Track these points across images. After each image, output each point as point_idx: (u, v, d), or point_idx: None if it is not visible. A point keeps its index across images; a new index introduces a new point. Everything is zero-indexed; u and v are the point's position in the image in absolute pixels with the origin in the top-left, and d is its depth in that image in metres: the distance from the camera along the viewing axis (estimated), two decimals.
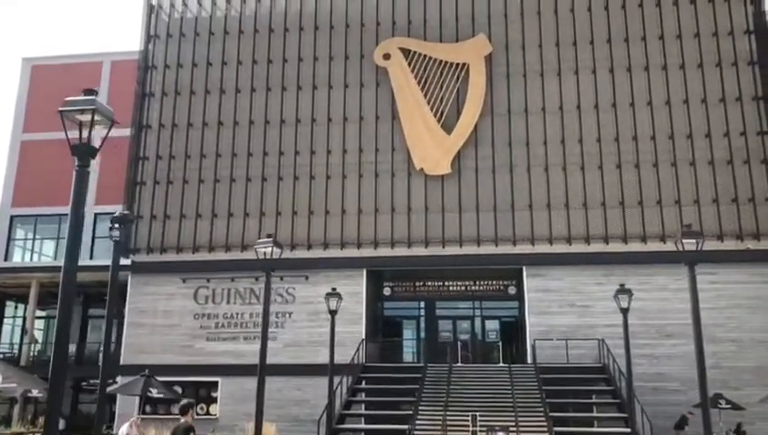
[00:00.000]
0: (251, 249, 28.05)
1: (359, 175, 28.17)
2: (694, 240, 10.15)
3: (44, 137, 34.67)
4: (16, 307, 35.37)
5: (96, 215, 33.43)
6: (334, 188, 28.21)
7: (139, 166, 29.57)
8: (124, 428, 17.41)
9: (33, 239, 34.74)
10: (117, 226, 13.77)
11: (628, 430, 20.20)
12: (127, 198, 29.30)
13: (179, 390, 24.97)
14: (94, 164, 34.01)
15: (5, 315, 34.61)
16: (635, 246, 25.98)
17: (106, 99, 34.89)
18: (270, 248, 9.77)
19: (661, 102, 27.23)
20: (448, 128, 27.85)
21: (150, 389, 18.04)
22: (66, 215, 33.16)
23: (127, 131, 29.94)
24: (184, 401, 10.12)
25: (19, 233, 35.10)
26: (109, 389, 18.36)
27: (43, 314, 35.61)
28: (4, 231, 34.01)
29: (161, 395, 19.05)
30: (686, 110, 27.06)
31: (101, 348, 17.06)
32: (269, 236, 10.02)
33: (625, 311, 15.17)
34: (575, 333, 25.38)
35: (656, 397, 23.65)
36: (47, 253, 34.90)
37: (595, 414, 23.45)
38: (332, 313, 15.49)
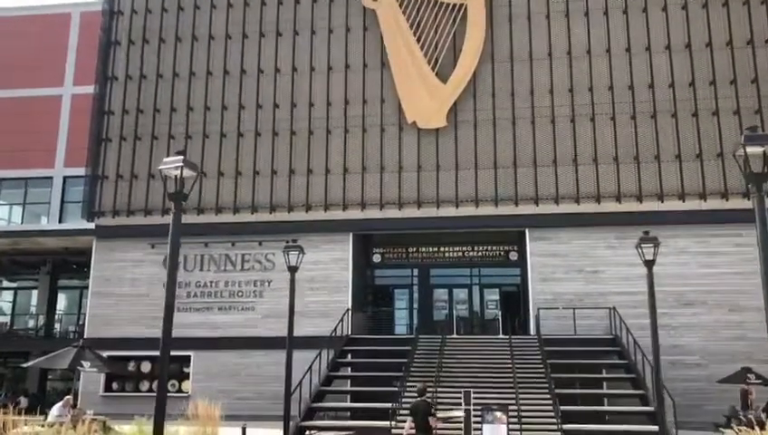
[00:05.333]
0: (226, 212, 25.84)
1: (344, 130, 25.51)
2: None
3: (10, 94, 32.15)
4: None
5: (65, 178, 31.00)
6: (317, 144, 25.57)
7: (105, 121, 26.95)
8: (56, 408, 15.07)
9: None
10: None
11: (649, 408, 17.69)
12: (90, 156, 26.74)
13: (132, 365, 22.55)
14: (63, 124, 31.61)
15: None
16: (651, 205, 23.34)
17: (75, 54, 32.35)
18: (179, 171, 7.24)
19: (681, 46, 24.39)
20: (444, 76, 25.09)
21: (82, 362, 15.56)
22: (33, 178, 30.95)
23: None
24: None
25: None
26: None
27: (11, 284, 33.30)
28: None
29: (94, 369, 16.58)
30: (708, 54, 24.18)
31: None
32: (179, 153, 7.46)
33: (650, 264, 12.54)
34: (583, 301, 22.88)
35: (673, 372, 21.16)
36: (15, 220, 32.43)
37: (605, 391, 20.99)
38: (291, 269, 12.97)
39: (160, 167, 7.49)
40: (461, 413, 14.66)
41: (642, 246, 12.60)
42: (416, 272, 27.23)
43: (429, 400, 11.65)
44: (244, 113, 26.14)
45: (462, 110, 25.02)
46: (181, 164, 7.22)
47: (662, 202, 23.38)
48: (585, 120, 24.35)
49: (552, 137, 24.36)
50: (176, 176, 7.36)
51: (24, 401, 25.52)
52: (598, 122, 24.25)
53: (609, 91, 24.40)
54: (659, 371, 12.49)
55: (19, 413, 19.33)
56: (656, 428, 16.81)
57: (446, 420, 13.13)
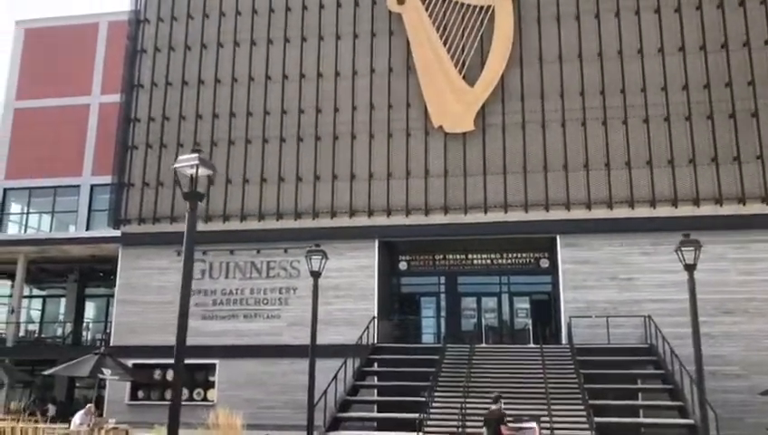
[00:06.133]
0: (251, 218, 25.63)
1: (369, 135, 25.14)
2: None
3: (39, 104, 32.52)
4: (12, 286, 33.23)
5: (92, 186, 31.13)
6: (342, 149, 25.24)
7: (131, 129, 26.97)
8: (78, 416, 14.85)
9: (28, 213, 32.49)
10: None
11: (689, 421, 16.93)
12: (117, 163, 26.76)
13: (158, 373, 22.36)
14: (91, 133, 31.76)
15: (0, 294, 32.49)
16: (686, 210, 22.54)
17: (103, 63, 32.57)
18: (195, 169, 6.90)
19: (716, 46, 23.61)
20: (471, 79, 24.62)
21: (103, 369, 15.33)
22: (61, 187, 31.19)
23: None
24: None
25: (14, 208, 32.92)
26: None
27: (40, 292, 33.52)
28: None
29: (116, 377, 16.34)
30: (746, 53, 23.38)
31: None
32: (195, 150, 7.13)
33: (691, 268, 11.89)
34: (617, 309, 22.13)
35: (713, 383, 20.20)
36: (44, 228, 32.64)
37: (641, 402, 20.21)
38: (314, 274, 12.58)
39: (175, 165, 7.17)
40: (533, 425, 14.40)
41: (683, 249, 11.94)
42: (443, 280, 26.66)
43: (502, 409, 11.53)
44: (269, 119, 25.93)
45: (490, 113, 24.50)
46: (196, 162, 6.88)
47: (698, 207, 22.58)
48: (617, 123, 23.66)
49: (584, 140, 23.72)
50: (191, 175, 6.99)
51: (52, 409, 25.59)
52: (631, 125, 23.55)
53: (642, 92, 23.69)
54: (702, 381, 11.83)
55: (46, 421, 19.32)
56: None
57: (517, 430, 12.89)
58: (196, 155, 7.08)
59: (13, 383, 25.86)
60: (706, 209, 22.46)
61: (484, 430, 12.19)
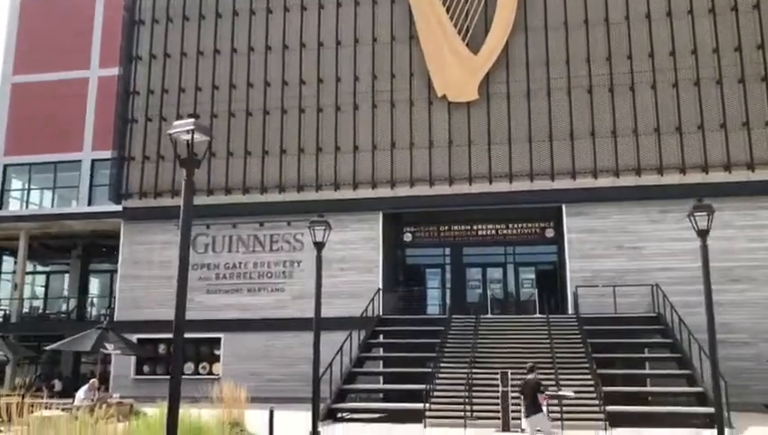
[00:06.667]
0: (254, 192, 25.36)
1: (372, 105, 24.77)
2: None
3: (37, 78, 32.13)
4: (15, 262, 33.18)
5: (93, 161, 30.89)
6: (345, 121, 24.88)
7: (130, 102, 26.61)
8: (81, 391, 14.78)
9: (29, 189, 32.28)
10: None
11: (698, 389, 16.82)
12: (116, 137, 26.46)
13: (162, 347, 22.30)
14: (90, 107, 31.37)
15: (3, 271, 32.41)
16: (694, 177, 22.20)
17: (100, 36, 32.07)
18: (191, 135, 6.62)
19: (726, 9, 23.05)
20: (475, 47, 24.16)
21: (105, 344, 15.21)
22: (62, 163, 30.89)
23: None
24: None
25: (15, 184, 32.72)
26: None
27: (44, 268, 33.45)
28: None
29: (118, 352, 16.23)
30: (756, 17, 22.84)
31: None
32: (191, 116, 6.86)
33: (704, 234, 11.64)
34: (623, 278, 21.91)
35: (721, 351, 19.72)
36: (46, 205, 32.45)
37: (648, 371, 20.09)
38: (318, 245, 12.35)
39: (170, 131, 6.89)
40: (570, 393, 14.47)
41: (695, 214, 11.64)
42: (448, 251, 26.46)
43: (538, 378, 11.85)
44: (269, 91, 25.55)
45: (494, 81, 24.07)
46: (192, 127, 6.60)
47: (707, 174, 22.24)
48: (624, 90, 23.22)
49: (590, 108, 23.32)
50: (187, 141, 6.71)
51: (58, 384, 25.64)
52: (638, 91, 23.12)
53: (650, 58, 23.22)
54: (715, 349, 11.71)
55: (52, 396, 19.28)
56: (705, 409, 15.97)
57: (554, 397, 12.99)
58: (191, 120, 6.80)
59: (18, 360, 25.87)
60: (715, 176, 22.12)
61: (521, 399, 12.29)
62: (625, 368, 20.00)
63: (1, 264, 32.47)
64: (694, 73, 22.86)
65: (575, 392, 14.68)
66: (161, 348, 24.73)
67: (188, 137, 6.75)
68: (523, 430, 13.24)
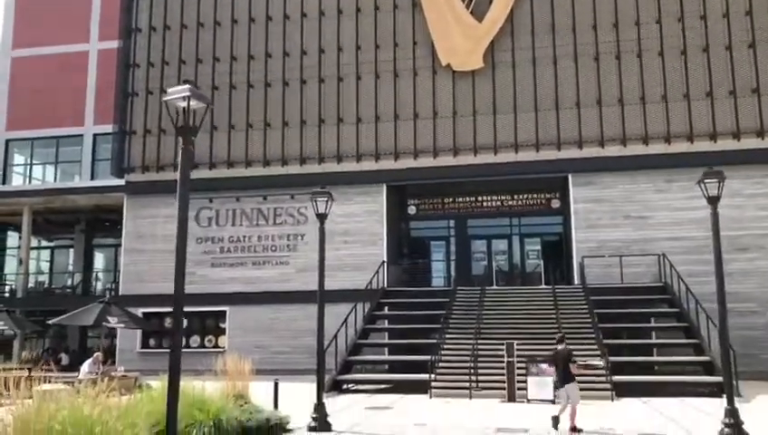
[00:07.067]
0: (256, 165, 25.15)
1: (375, 75, 24.42)
2: None
3: (36, 53, 31.75)
4: (20, 237, 33.18)
5: (95, 136, 30.65)
6: (347, 91, 24.56)
7: (130, 74, 26.31)
8: (86, 365, 14.76)
9: (31, 164, 32.12)
10: None
11: (706, 358, 16.73)
12: (118, 111, 26.21)
13: (168, 321, 22.29)
14: (91, 81, 31.03)
15: (8, 246, 32.41)
16: (702, 145, 21.87)
17: (99, 8, 31.64)
18: (186, 101, 6.41)
19: None
20: (479, 15, 23.73)
21: (108, 317, 15.16)
22: (64, 137, 30.60)
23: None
24: None
25: (17, 159, 32.55)
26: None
27: (48, 244, 33.44)
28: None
29: (121, 325, 16.19)
30: None
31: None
32: (186, 81, 6.63)
33: (715, 201, 11.40)
34: (630, 248, 21.74)
35: (729, 320, 19.80)
36: (49, 180, 32.31)
37: (655, 341, 20.00)
38: (320, 217, 12.17)
39: (165, 98, 6.68)
40: (601, 362, 14.51)
41: (706, 181, 11.39)
42: (452, 223, 26.30)
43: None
44: (271, 62, 25.21)
45: (499, 50, 23.67)
46: (188, 93, 6.39)
47: (715, 142, 21.91)
48: (632, 57, 22.81)
49: (597, 75, 22.94)
50: (183, 108, 6.50)
51: (65, 358, 25.75)
52: (645, 58, 22.70)
53: (657, 24, 22.76)
54: (725, 319, 11.50)
55: (60, 370, 19.32)
56: (713, 378, 15.88)
57: (586, 367, 12.99)
58: (187, 86, 6.58)
59: (25, 334, 25.95)
60: (723, 144, 21.79)
61: (552, 369, 12.30)
62: (631, 338, 19.91)
63: (6, 239, 32.45)
64: (703, 39, 22.41)
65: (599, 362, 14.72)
66: (167, 322, 24.72)
67: (185, 104, 6.53)
68: (539, 401, 13.15)
